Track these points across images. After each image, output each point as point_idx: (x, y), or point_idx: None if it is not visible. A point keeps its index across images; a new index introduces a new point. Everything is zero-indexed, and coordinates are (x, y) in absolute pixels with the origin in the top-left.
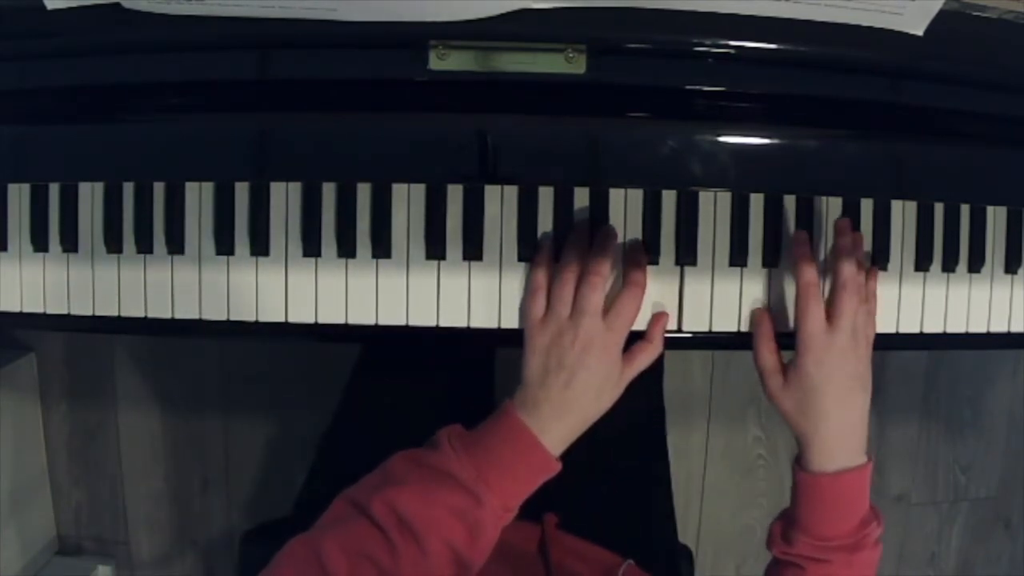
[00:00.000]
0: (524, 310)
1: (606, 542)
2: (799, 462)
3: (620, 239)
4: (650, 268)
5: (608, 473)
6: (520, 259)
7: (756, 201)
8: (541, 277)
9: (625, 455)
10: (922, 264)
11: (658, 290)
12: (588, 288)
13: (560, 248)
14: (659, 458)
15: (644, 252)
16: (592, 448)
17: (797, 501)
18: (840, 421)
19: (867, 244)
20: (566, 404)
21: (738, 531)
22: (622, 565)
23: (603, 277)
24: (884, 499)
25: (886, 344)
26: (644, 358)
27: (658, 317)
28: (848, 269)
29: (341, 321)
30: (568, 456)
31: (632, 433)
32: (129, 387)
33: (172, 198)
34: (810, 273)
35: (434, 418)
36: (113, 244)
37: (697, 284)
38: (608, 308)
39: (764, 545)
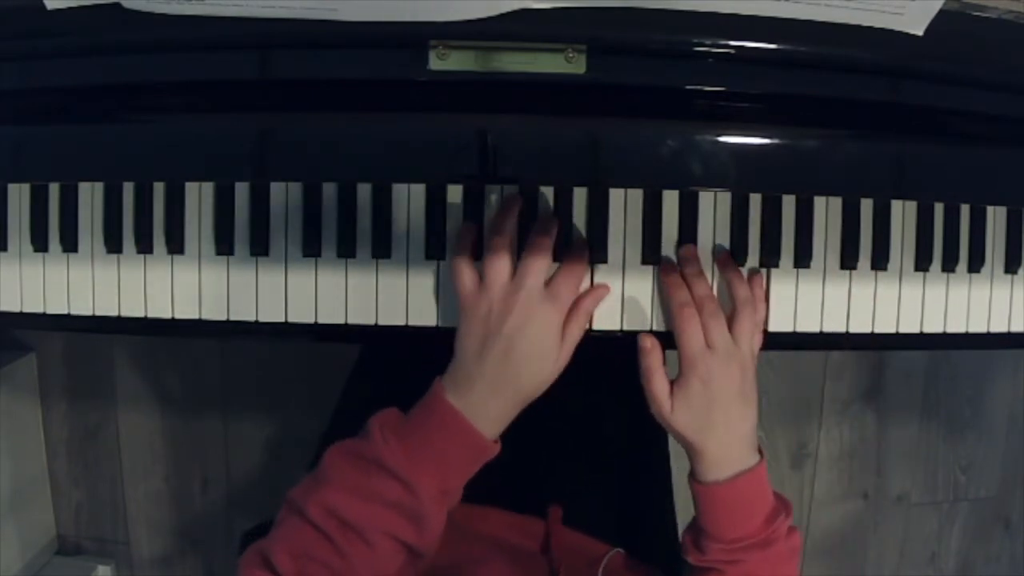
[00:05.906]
0: (455, 288)
1: (608, 537)
2: (693, 475)
3: (621, 238)
4: (649, 268)
5: (610, 470)
6: None
7: (756, 201)
8: (463, 260)
9: (627, 452)
10: (922, 264)
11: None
12: (534, 252)
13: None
14: (660, 456)
15: (584, 241)
16: (595, 444)
17: (699, 512)
18: (728, 434)
19: (867, 244)
20: (503, 379)
21: None
22: (608, 553)
23: (551, 242)
24: (884, 499)
25: (886, 344)
26: (575, 328)
27: (597, 288)
28: (700, 290)
29: (341, 321)
30: (572, 452)
31: (634, 431)
32: (129, 387)
33: (172, 198)
34: (682, 295)
35: None
36: (113, 244)
37: None
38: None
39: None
